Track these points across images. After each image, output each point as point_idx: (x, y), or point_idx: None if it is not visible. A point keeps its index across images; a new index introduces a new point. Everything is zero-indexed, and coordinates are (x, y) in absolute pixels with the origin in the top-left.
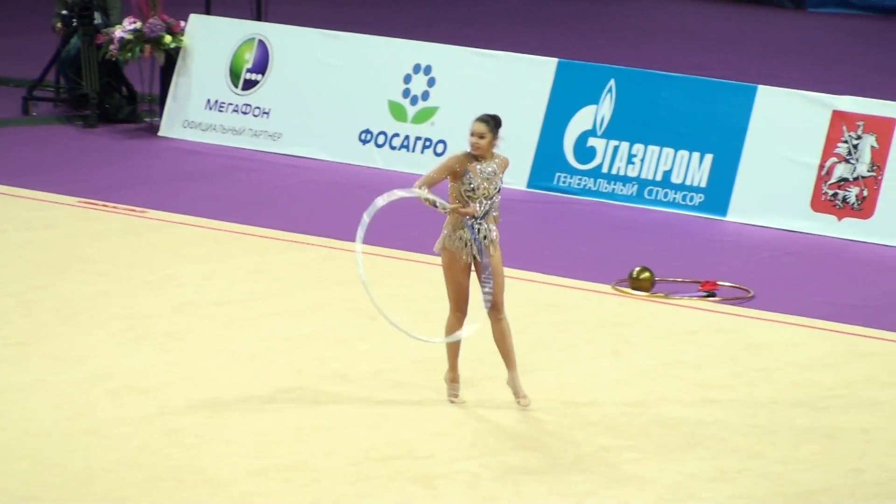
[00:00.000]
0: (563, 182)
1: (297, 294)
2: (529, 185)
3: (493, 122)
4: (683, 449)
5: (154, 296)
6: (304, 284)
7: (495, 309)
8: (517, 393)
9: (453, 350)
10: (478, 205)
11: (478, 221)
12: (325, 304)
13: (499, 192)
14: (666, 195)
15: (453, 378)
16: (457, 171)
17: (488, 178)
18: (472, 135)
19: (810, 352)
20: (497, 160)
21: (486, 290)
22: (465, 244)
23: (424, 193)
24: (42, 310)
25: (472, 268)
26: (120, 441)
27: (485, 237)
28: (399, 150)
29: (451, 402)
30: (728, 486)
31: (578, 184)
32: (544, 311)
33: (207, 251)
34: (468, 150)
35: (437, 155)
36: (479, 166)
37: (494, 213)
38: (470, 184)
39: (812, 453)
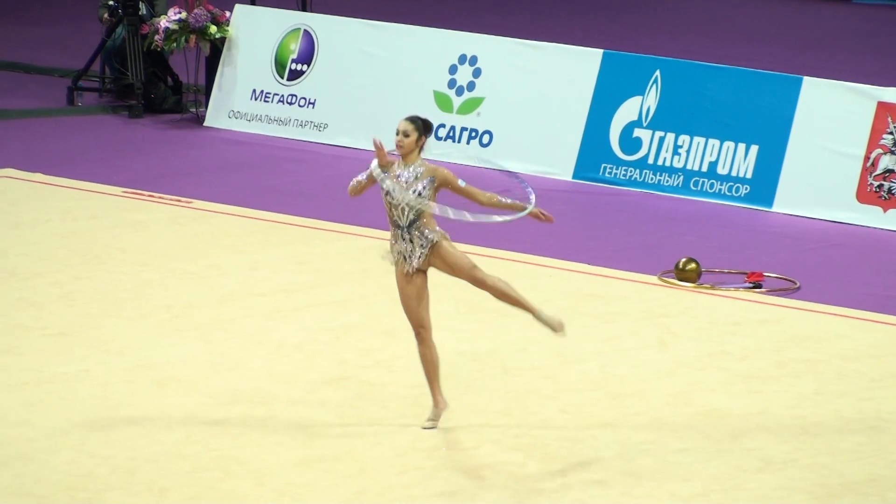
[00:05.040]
0: (609, 173)
1: (340, 284)
2: (575, 175)
3: (420, 123)
4: (729, 440)
5: (197, 286)
6: (348, 275)
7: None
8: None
9: (431, 372)
10: (401, 212)
11: (406, 231)
12: (368, 294)
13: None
14: (712, 186)
15: (436, 403)
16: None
17: (404, 185)
18: (397, 133)
19: (855, 343)
20: (423, 168)
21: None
22: (404, 258)
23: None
24: (85, 300)
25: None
26: (163, 431)
27: (421, 246)
28: (444, 140)
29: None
30: (773, 477)
31: (624, 175)
32: (589, 301)
33: (251, 241)
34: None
35: (483, 146)
36: (399, 170)
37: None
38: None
39: (857, 444)
